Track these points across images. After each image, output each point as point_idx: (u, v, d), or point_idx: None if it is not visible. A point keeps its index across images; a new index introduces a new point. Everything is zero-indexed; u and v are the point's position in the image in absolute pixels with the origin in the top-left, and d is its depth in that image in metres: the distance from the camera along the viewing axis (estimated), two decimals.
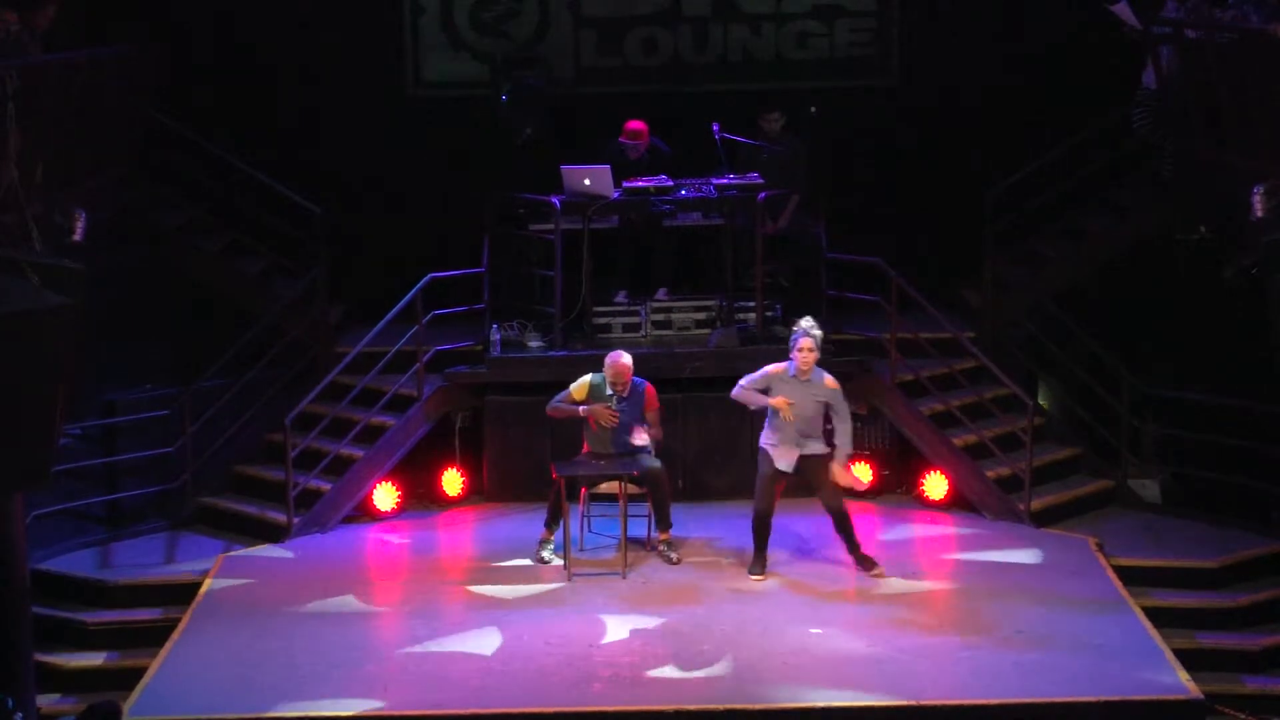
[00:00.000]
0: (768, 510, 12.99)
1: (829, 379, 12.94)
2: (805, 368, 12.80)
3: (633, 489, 13.45)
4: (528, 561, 13.50)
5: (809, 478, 12.96)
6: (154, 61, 14.81)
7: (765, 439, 13.01)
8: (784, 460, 12.88)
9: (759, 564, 13.09)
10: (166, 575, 13.81)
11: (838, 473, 12.90)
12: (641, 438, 13.45)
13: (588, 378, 13.48)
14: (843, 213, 15.26)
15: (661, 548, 13.50)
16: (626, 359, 13.40)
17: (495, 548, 13.93)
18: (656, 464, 13.43)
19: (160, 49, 14.92)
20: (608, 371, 13.38)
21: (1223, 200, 13.29)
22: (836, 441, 12.93)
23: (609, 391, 13.39)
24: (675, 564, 13.37)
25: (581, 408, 13.39)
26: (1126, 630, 12.15)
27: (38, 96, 12.25)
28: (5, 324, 10.07)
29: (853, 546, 13.07)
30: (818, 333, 12.86)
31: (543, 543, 13.53)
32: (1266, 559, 13.72)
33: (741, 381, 13.04)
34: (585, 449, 13.59)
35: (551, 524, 13.49)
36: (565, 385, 13.67)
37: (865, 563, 13.08)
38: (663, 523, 13.50)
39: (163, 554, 14.21)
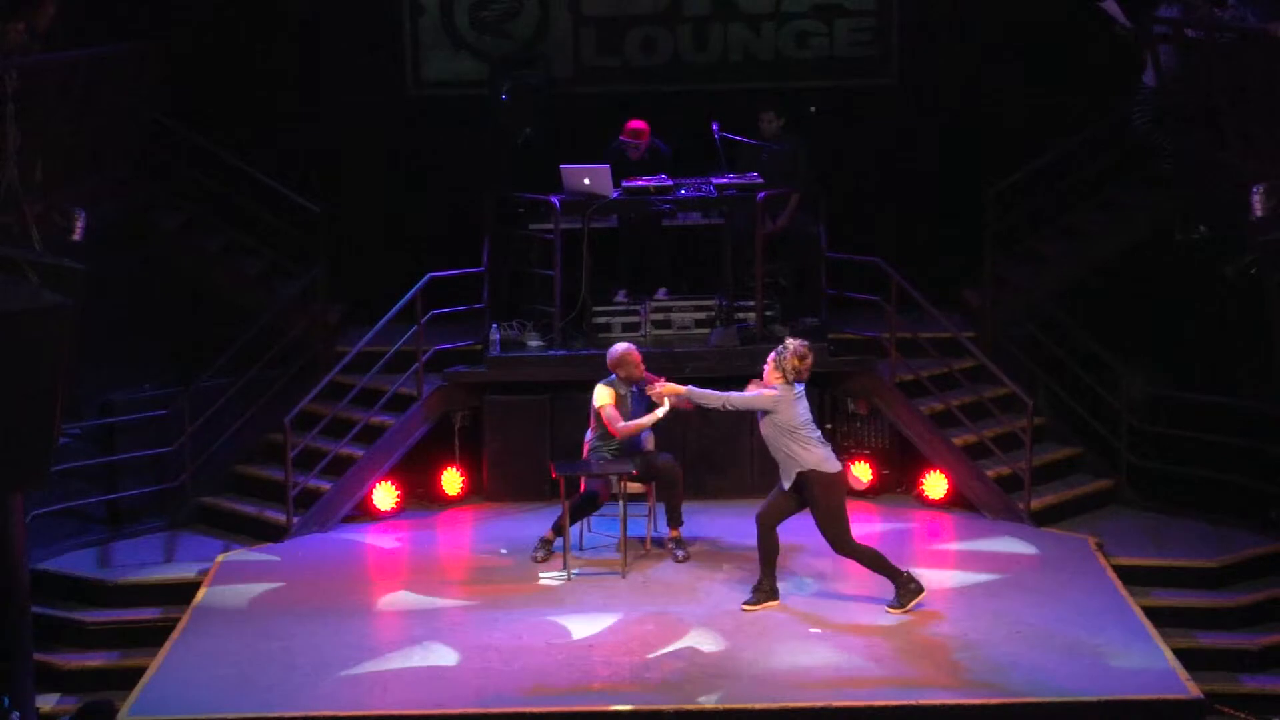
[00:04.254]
0: (760, 517, 12.50)
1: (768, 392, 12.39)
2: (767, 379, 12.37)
3: (633, 488, 13.45)
4: (527, 561, 13.49)
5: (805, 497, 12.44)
6: (154, 61, 14.82)
7: None
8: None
9: (759, 593, 12.52)
10: (166, 575, 13.82)
11: (666, 388, 12.66)
12: (650, 441, 13.52)
13: (608, 389, 13.37)
14: (842, 212, 15.26)
15: (670, 545, 13.50)
16: (623, 346, 13.36)
17: (495, 547, 13.93)
18: (669, 459, 13.44)
19: (160, 49, 14.93)
20: (617, 368, 13.33)
21: (1223, 200, 13.29)
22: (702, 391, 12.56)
23: (622, 391, 13.37)
24: (682, 561, 13.37)
25: (661, 410, 13.21)
26: (1126, 630, 12.14)
27: (38, 96, 12.26)
28: (5, 324, 10.07)
29: (884, 574, 12.48)
30: (791, 344, 12.34)
31: (543, 543, 13.49)
32: (1266, 559, 13.73)
33: (729, 393, 12.55)
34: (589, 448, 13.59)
35: (558, 529, 13.43)
36: (565, 385, 13.69)
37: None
38: (674, 519, 13.50)
39: (162, 554, 14.22)
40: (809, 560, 13.28)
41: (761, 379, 12.44)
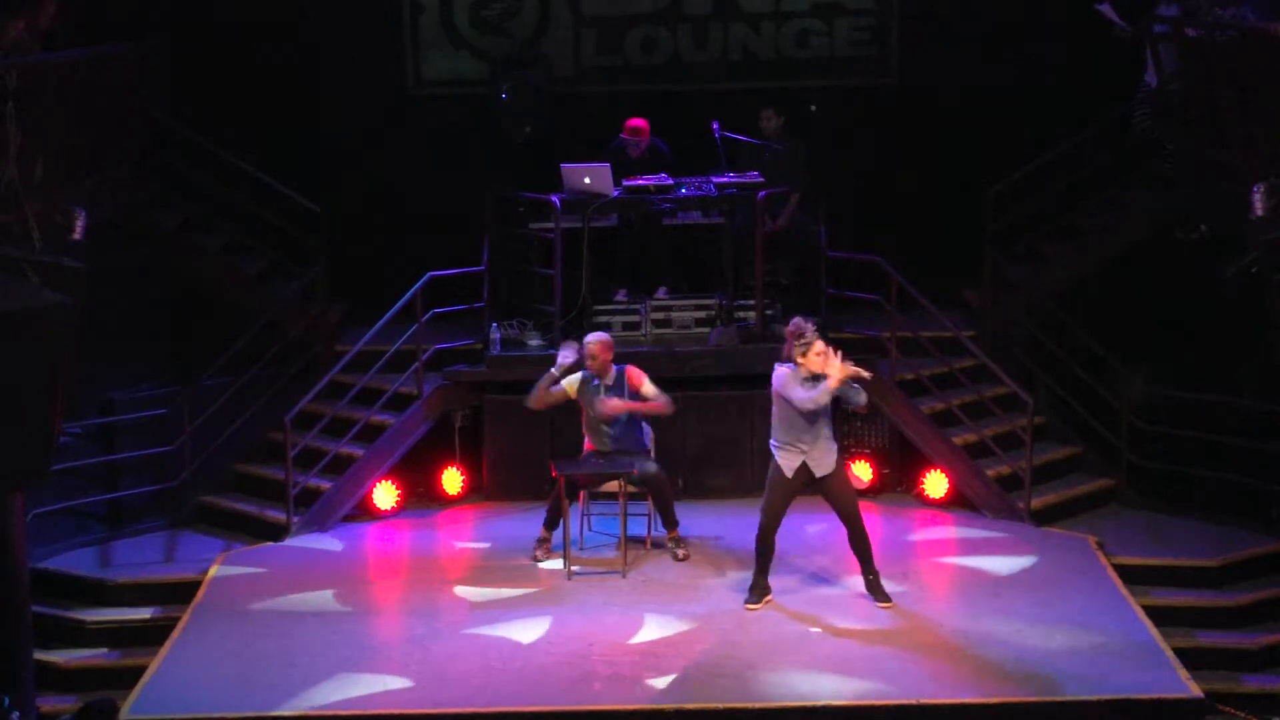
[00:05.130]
0: (768, 524, 12.40)
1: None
2: (819, 373, 12.08)
3: (632, 489, 13.44)
4: (527, 561, 13.49)
5: (829, 491, 12.41)
6: (154, 61, 14.82)
7: (774, 442, 12.32)
8: (790, 464, 12.27)
9: (756, 591, 12.53)
10: (166, 574, 13.82)
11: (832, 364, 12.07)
12: (647, 438, 13.54)
13: (577, 375, 13.45)
14: (843, 212, 15.26)
15: (669, 544, 13.51)
16: (597, 336, 13.41)
17: (495, 547, 13.94)
18: (653, 467, 13.42)
19: (160, 48, 14.93)
20: (585, 358, 13.38)
21: (1223, 199, 13.28)
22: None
23: (595, 382, 13.38)
24: (682, 560, 13.37)
25: (562, 382, 13.36)
26: (1126, 630, 12.14)
27: (38, 96, 12.26)
28: (5, 323, 10.07)
29: (868, 570, 12.53)
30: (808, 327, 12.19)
31: (540, 542, 13.53)
32: (1266, 558, 13.72)
33: (799, 395, 12.08)
34: (588, 447, 13.58)
35: (550, 525, 13.49)
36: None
37: (880, 594, 12.49)
38: (668, 523, 13.50)
39: (162, 553, 14.22)
40: (809, 559, 13.29)
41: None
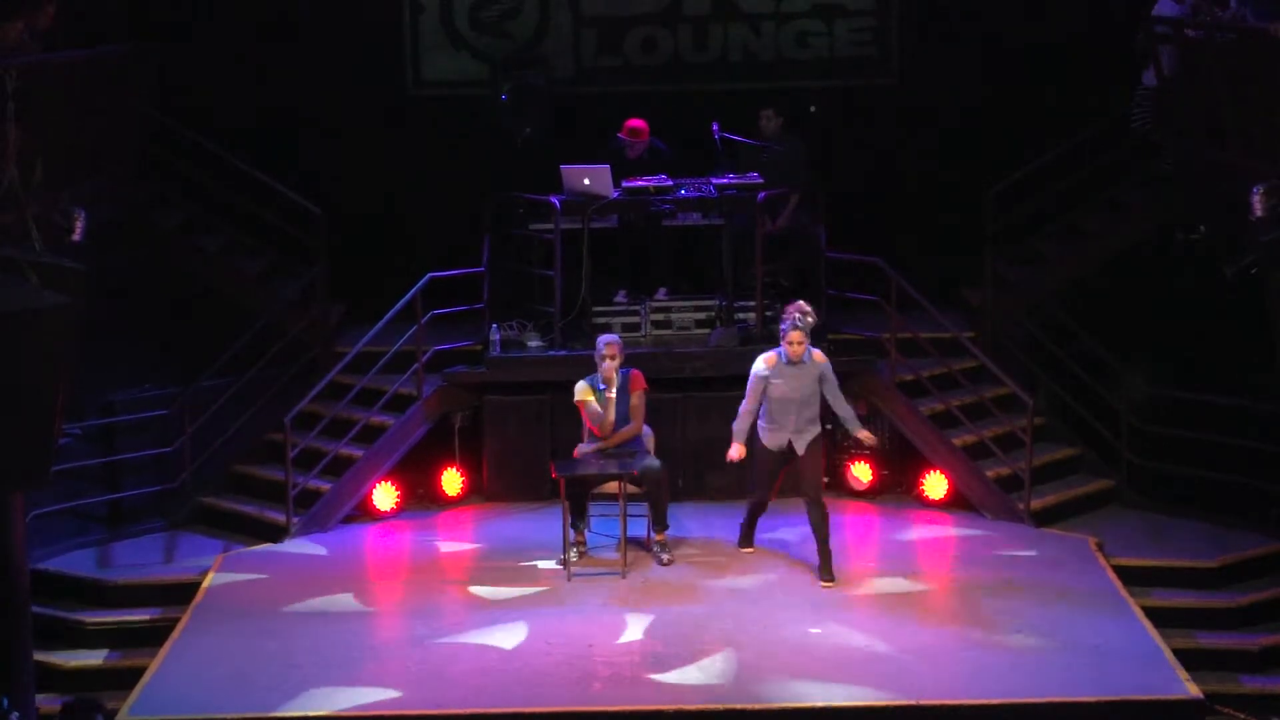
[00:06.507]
0: (765, 499, 13.24)
1: (817, 354, 12.96)
2: (795, 359, 12.80)
3: (632, 489, 13.43)
4: (527, 562, 13.48)
5: (797, 468, 12.96)
6: (154, 61, 14.82)
7: (762, 422, 13.01)
8: (776, 442, 12.94)
9: (748, 538, 13.47)
10: (166, 575, 13.82)
11: (861, 435, 13.28)
12: (646, 436, 13.53)
13: (583, 382, 13.43)
14: (843, 212, 15.26)
15: (655, 548, 13.48)
16: (614, 339, 13.41)
17: (495, 548, 13.93)
18: (655, 464, 13.42)
19: (159, 49, 14.92)
20: (597, 357, 13.35)
21: (1223, 199, 13.29)
22: (838, 412, 13.04)
23: (601, 386, 13.38)
24: (665, 565, 13.35)
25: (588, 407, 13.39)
26: (1126, 630, 12.15)
27: (38, 96, 12.25)
28: (5, 324, 10.08)
29: (822, 548, 12.93)
30: (808, 320, 12.86)
31: (574, 544, 13.42)
32: (1266, 559, 13.73)
33: (741, 409, 13.05)
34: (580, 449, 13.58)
35: (578, 525, 13.43)
36: (565, 385, 13.70)
37: (824, 571, 12.91)
38: (659, 523, 13.47)
39: (162, 554, 14.22)
40: (808, 559, 13.28)
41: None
